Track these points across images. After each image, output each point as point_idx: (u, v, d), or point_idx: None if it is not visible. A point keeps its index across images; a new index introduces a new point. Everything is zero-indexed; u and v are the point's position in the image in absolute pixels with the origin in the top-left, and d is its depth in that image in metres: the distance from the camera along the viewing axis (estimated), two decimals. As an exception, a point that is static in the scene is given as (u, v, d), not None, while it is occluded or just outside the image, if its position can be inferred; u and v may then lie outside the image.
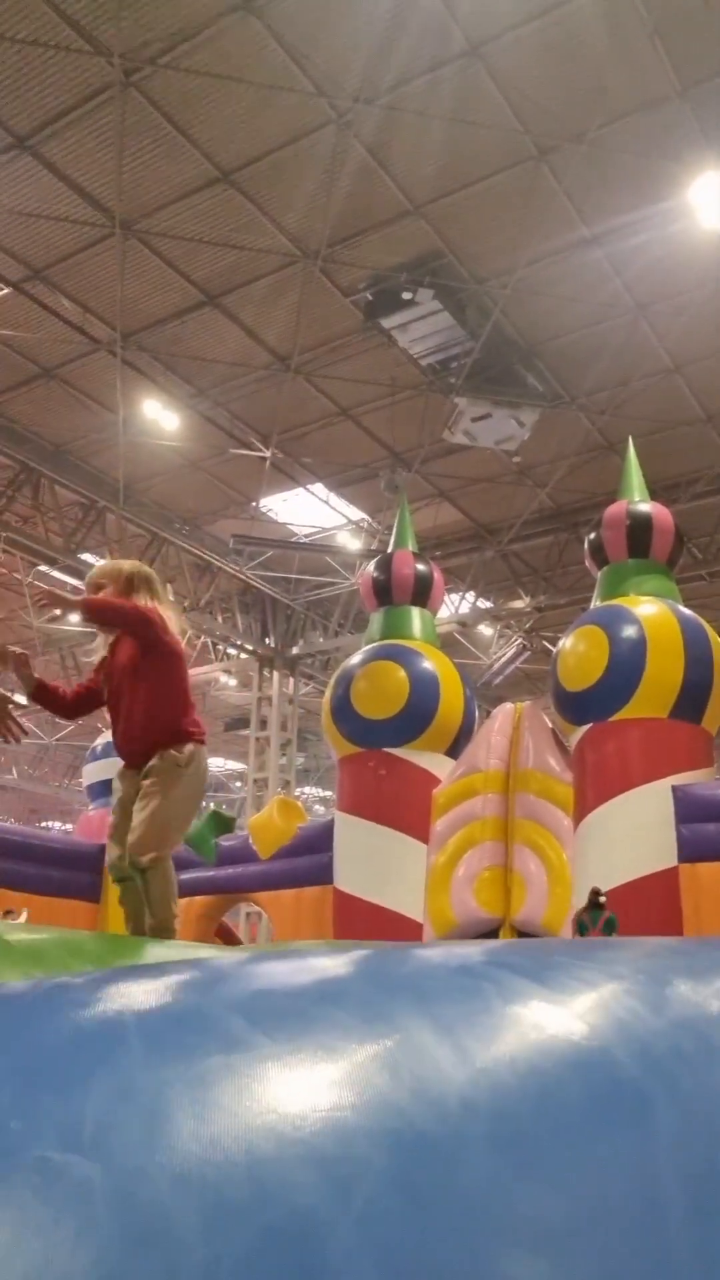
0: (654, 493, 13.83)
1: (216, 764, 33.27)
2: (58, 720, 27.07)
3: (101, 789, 15.59)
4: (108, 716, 4.42)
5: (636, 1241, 1.13)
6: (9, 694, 4.28)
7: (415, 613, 14.12)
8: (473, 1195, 0.98)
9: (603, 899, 10.18)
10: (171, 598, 4.45)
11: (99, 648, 4.37)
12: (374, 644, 13.75)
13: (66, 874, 14.05)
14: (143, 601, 4.17)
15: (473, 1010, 1.18)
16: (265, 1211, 0.82)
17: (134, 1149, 0.82)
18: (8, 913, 12.53)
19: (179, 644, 4.20)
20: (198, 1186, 0.81)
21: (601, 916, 10.05)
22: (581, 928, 10.11)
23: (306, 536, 19.90)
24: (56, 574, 18.83)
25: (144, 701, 4.10)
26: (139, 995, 1.09)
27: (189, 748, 3.99)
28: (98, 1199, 0.77)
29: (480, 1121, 1.04)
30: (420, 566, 14.32)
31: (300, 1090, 0.93)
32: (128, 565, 4.41)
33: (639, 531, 12.73)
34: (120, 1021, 0.99)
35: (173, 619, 4.28)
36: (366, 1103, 0.95)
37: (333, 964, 1.40)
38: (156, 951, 2.66)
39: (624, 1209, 1.14)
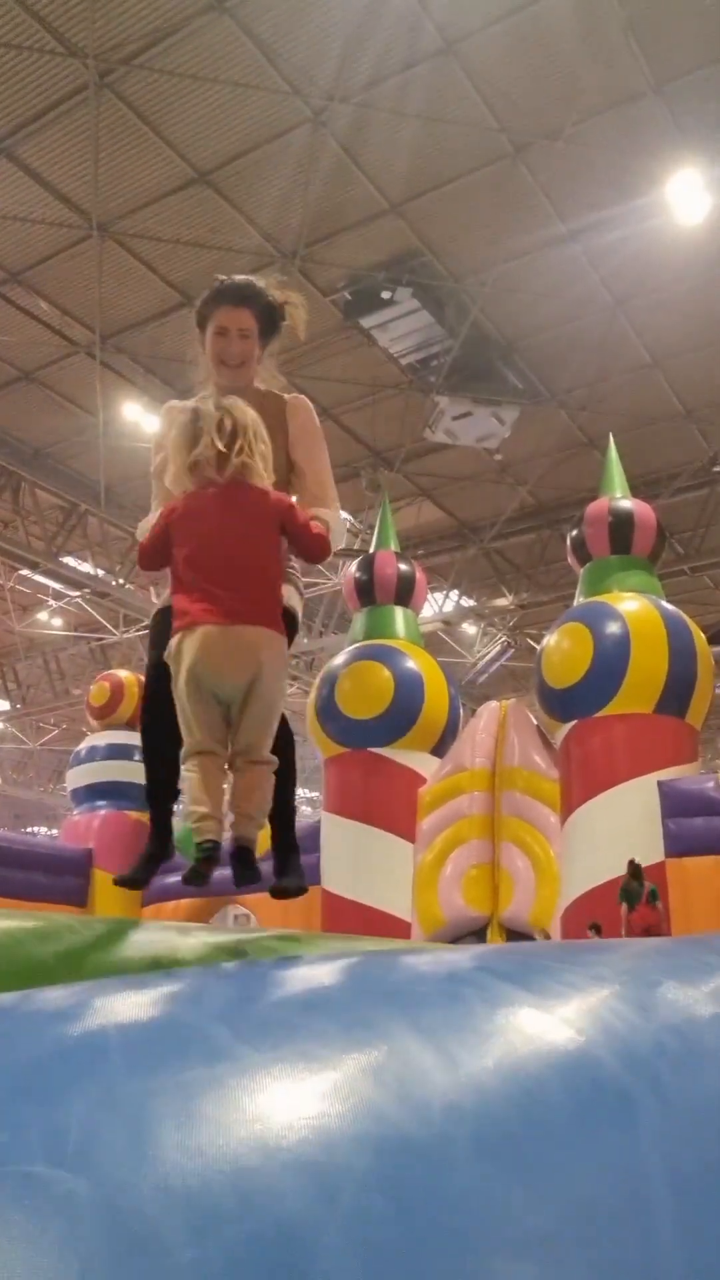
0: (635, 488, 13.87)
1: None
2: (40, 725, 27.03)
3: (86, 794, 15.56)
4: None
5: (624, 1241, 1.13)
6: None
7: (398, 612, 14.14)
8: (459, 1198, 0.98)
9: (636, 864, 10.30)
10: None
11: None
12: (358, 644, 13.75)
13: (53, 879, 14.02)
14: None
15: (457, 1015, 1.18)
16: (251, 1219, 0.82)
17: (118, 1160, 0.82)
18: None
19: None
20: (183, 1196, 0.81)
21: (645, 888, 10.18)
22: (631, 901, 10.20)
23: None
24: (38, 577, 18.79)
25: None
26: (121, 1007, 1.09)
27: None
28: (83, 1210, 0.77)
29: (465, 1125, 1.05)
30: (402, 566, 14.34)
31: (284, 1099, 0.93)
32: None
33: (621, 527, 12.77)
34: (102, 1033, 0.99)
35: None
36: (351, 1109, 0.95)
37: (317, 972, 1.40)
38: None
39: (611, 1209, 1.14)
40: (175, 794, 3.40)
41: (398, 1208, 0.90)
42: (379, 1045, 1.06)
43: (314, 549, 3.24)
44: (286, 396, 3.41)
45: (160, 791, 3.42)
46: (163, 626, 3.23)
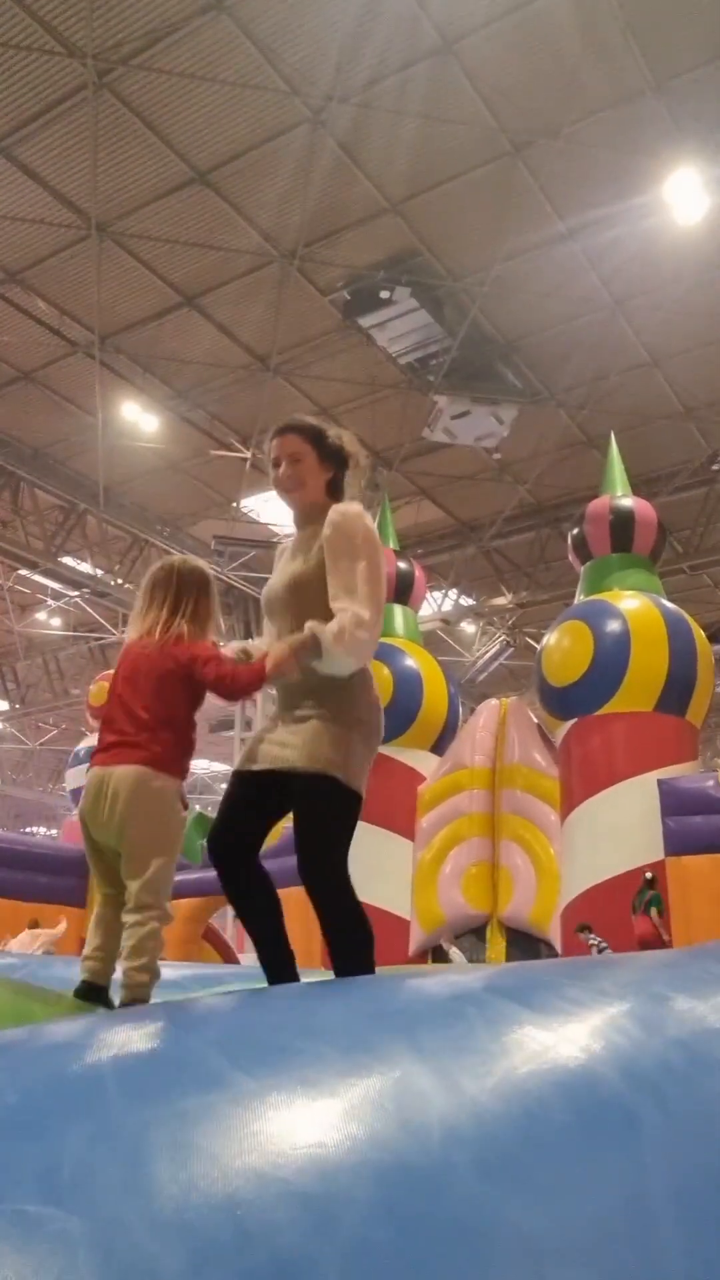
0: (635, 487, 13.86)
1: (201, 766, 33.24)
2: (40, 724, 27.00)
3: (87, 793, 15.51)
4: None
5: (628, 1257, 1.11)
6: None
7: (398, 611, 14.13)
8: (461, 1221, 0.96)
9: (649, 876, 10.61)
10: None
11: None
12: (357, 643, 13.73)
13: (52, 879, 14.00)
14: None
15: (456, 1036, 1.16)
16: (248, 1253, 0.80)
17: (113, 1194, 0.81)
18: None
19: None
20: (178, 1231, 0.79)
21: (646, 896, 10.42)
22: (634, 908, 10.46)
23: (288, 537, 19.80)
24: (37, 577, 18.76)
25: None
26: (121, 1036, 1.07)
27: None
28: (78, 1248, 0.75)
29: (466, 1149, 1.03)
30: (402, 565, 14.34)
31: (280, 1128, 0.92)
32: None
33: (622, 526, 12.77)
34: (99, 1064, 0.97)
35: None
36: (349, 1136, 0.93)
37: (316, 993, 1.38)
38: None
39: (614, 1225, 1.12)
40: (275, 947, 3.26)
41: (398, 1237, 0.89)
42: (378, 1069, 1.04)
43: (220, 691, 3.15)
44: (331, 511, 3.33)
45: (260, 952, 3.25)
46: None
